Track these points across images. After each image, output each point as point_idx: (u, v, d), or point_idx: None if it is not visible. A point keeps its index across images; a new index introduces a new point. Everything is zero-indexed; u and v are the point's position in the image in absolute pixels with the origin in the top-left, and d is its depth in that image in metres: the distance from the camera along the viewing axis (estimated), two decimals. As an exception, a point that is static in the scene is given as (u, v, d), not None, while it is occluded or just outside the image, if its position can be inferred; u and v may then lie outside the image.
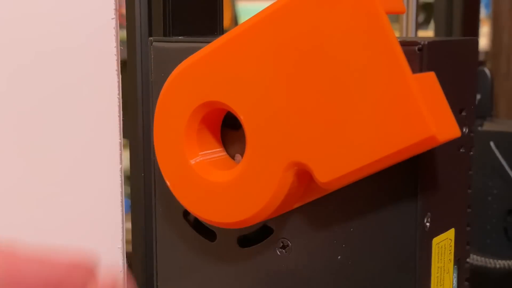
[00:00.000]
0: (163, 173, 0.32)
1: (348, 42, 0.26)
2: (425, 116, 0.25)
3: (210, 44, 0.30)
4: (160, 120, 0.32)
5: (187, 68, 0.30)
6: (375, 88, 0.26)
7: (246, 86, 0.29)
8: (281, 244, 0.32)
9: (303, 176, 0.28)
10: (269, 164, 0.28)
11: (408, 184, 0.28)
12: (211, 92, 0.30)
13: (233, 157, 0.32)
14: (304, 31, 0.27)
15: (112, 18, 0.34)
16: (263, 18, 0.28)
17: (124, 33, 0.37)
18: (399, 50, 0.25)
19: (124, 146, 0.36)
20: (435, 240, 0.29)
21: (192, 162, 0.31)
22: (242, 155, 0.30)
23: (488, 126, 0.71)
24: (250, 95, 0.28)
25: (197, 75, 0.30)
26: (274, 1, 0.28)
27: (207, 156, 0.31)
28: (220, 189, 0.30)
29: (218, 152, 0.32)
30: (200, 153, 0.31)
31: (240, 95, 0.29)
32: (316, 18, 0.26)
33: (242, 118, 0.29)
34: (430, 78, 0.26)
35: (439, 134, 0.25)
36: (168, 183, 0.32)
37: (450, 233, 0.30)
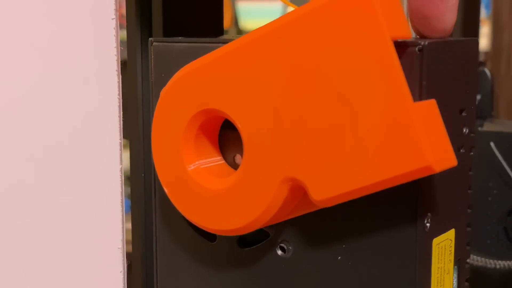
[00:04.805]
0: (160, 179, 0.32)
1: (351, 64, 0.26)
2: (423, 145, 0.25)
3: (213, 52, 0.30)
4: (158, 126, 0.32)
5: (187, 74, 0.30)
6: (375, 112, 0.26)
7: (246, 97, 0.29)
8: (281, 244, 0.32)
9: (298, 190, 0.28)
10: (265, 176, 0.29)
11: (408, 185, 0.28)
12: (210, 100, 0.30)
13: (233, 158, 0.32)
14: (308, 49, 0.27)
15: (112, 18, 0.34)
16: (269, 32, 0.28)
17: (124, 33, 0.37)
18: (402, 79, 0.25)
19: (124, 146, 0.36)
20: (435, 241, 0.29)
21: (190, 168, 0.31)
22: (242, 155, 0.30)
23: (488, 126, 0.71)
24: (250, 106, 0.29)
25: (197, 82, 0.30)
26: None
27: (205, 162, 0.31)
28: (216, 196, 0.30)
29: (215, 159, 0.32)
30: (197, 160, 0.31)
31: (239, 105, 0.29)
32: (321, 37, 0.26)
33: (240, 127, 0.29)
34: (430, 106, 0.26)
35: (436, 164, 0.25)
36: (165, 189, 0.32)
37: (450, 234, 0.30)
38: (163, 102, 0.31)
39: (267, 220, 0.29)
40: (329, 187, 0.27)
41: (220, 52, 0.29)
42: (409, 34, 0.27)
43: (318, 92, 0.27)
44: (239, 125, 0.29)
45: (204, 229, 0.31)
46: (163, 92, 0.31)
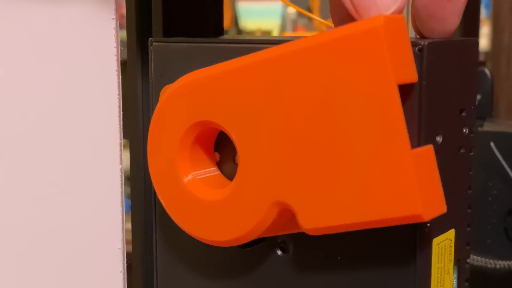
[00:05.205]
0: (156, 190, 0.32)
1: (355, 102, 0.26)
2: (416, 195, 0.25)
3: (218, 65, 0.30)
4: (154, 137, 0.32)
5: (187, 85, 0.30)
6: (372, 153, 0.26)
7: (246, 116, 0.29)
8: (281, 244, 0.32)
9: (288, 211, 0.29)
10: (256, 196, 0.29)
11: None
12: (209, 112, 0.30)
13: (233, 158, 0.32)
14: (315, 79, 0.27)
15: (112, 18, 0.34)
16: (278, 56, 0.28)
17: (124, 33, 0.37)
18: (403, 126, 0.25)
19: (124, 146, 0.36)
20: (435, 241, 0.29)
21: (185, 180, 0.31)
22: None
23: (488, 126, 0.71)
24: (248, 126, 0.29)
25: (197, 93, 0.30)
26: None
27: (200, 174, 0.32)
28: (209, 207, 0.30)
29: (211, 170, 0.32)
30: (193, 171, 0.31)
31: (238, 122, 0.29)
32: (329, 70, 0.26)
33: (235, 141, 0.29)
34: (427, 152, 0.27)
35: (426, 214, 0.25)
36: (161, 200, 0.32)
37: (450, 234, 0.30)
38: (159, 112, 0.31)
39: (257, 235, 0.30)
40: (318, 218, 0.27)
41: (226, 67, 0.29)
42: (415, 78, 0.27)
43: (318, 123, 0.27)
44: (235, 139, 0.29)
45: (197, 239, 0.31)
46: (160, 102, 0.31)
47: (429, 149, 0.27)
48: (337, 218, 0.27)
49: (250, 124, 0.29)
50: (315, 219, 0.27)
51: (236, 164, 0.32)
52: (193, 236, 0.31)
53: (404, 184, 0.25)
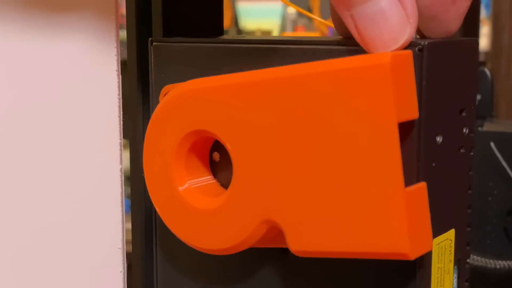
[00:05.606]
0: (152, 199, 0.32)
1: (354, 133, 0.26)
2: (405, 234, 0.25)
3: (220, 77, 0.30)
4: (150, 144, 0.32)
5: (184, 93, 0.30)
6: (366, 187, 0.26)
7: (244, 132, 0.29)
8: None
9: (277, 228, 0.29)
10: (248, 210, 0.29)
11: (408, 185, 0.28)
12: (207, 122, 0.30)
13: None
14: (315, 105, 0.27)
15: (112, 18, 0.34)
16: (286, 77, 0.28)
17: (124, 33, 0.37)
18: (399, 165, 0.25)
19: (124, 146, 0.36)
20: (435, 241, 0.29)
21: (181, 189, 0.31)
22: None
23: (488, 126, 0.71)
24: (246, 142, 0.29)
25: (195, 103, 0.30)
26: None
27: (195, 182, 0.32)
28: (203, 216, 0.30)
29: (206, 179, 0.32)
30: (188, 180, 0.31)
31: (236, 136, 0.29)
32: (330, 99, 0.26)
33: (230, 150, 0.29)
34: (420, 190, 0.27)
35: (412, 253, 0.26)
36: (156, 207, 0.32)
37: (450, 234, 0.30)
38: (155, 119, 0.31)
39: (248, 246, 0.30)
40: (306, 242, 0.27)
41: (229, 80, 0.29)
42: (416, 115, 0.27)
43: (316, 149, 0.27)
44: (230, 151, 0.29)
45: (191, 247, 0.31)
46: (156, 110, 0.31)
47: (422, 187, 0.27)
48: (325, 244, 0.27)
49: (246, 140, 0.29)
50: (303, 242, 0.28)
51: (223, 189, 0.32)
52: (189, 245, 0.32)
53: (394, 222, 0.26)
